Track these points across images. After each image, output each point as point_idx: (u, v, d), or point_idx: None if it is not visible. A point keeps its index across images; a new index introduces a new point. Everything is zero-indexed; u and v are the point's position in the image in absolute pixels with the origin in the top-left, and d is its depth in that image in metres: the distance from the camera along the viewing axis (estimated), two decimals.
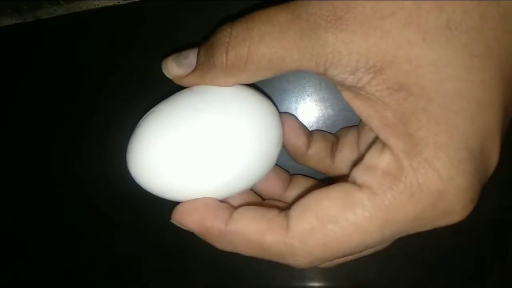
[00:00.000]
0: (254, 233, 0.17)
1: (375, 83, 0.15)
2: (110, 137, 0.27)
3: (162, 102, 0.19)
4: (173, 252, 0.30)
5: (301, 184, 0.23)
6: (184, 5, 0.25)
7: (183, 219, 0.19)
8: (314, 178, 0.24)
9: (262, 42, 0.16)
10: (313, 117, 0.26)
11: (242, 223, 0.18)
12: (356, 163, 0.18)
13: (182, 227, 0.19)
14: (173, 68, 0.19)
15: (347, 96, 0.16)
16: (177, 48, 0.25)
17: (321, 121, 0.26)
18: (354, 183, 0.16)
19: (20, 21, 0.27)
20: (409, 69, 0.14)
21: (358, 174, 0.16)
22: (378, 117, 0.15)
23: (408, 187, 0.15)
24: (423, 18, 0.14)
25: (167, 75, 0.20)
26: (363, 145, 0.21)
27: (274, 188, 0.23)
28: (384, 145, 0.16)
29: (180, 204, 0.19)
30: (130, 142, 0.19)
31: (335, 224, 0.16)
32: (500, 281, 0.28)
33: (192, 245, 0.29)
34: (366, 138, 0.21)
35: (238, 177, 0.19)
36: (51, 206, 0.29)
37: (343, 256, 0.17)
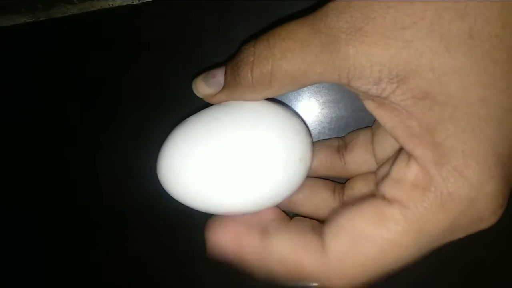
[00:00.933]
0: (290, 253, 0.17)
1: (399, 92, 0.15)
2: (132, 140, 0.27)
3: (194, 115, 0.20)
4: (181, 256, 0.30)
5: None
6: (199, 4, 0.25)
7: (216, 236, 0.19)
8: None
9: (284, 59, 0.16)
10: (326, 117, 0.26)
11: (277, 241, 0.17)
12: (380, 177, 0.17)
13: (217, 253, 0.19)
14: (202, 88, 0.20)
15: (370, 106, 0.17)
16: (192, 47, 0.25)
17: (333, 122, 0.26)
18: (383, 198, 0.16)
19: (34, 19, 0.27)
20: (433, 78, 0.14)
21: (387, 188, 0.16)
22: (404, 127, 0.15)
23: (439, 197, 0.15)
24: (445, 27, 0.14)
25: (197, 94, 0.20)
26: (379, 146, 0.21)
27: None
28: (410, 156, 0.16)
29: (210, 221, 0.19)
30: (161, 151, 0.20)
31: (370, 243, 0.16)
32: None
33: (199, 249, 0.29)
34: (382, 139, 0.21)
35: (263, 191, 0.19)
36: (73, 213, 0.30)
37: (380, 274, 0.17)
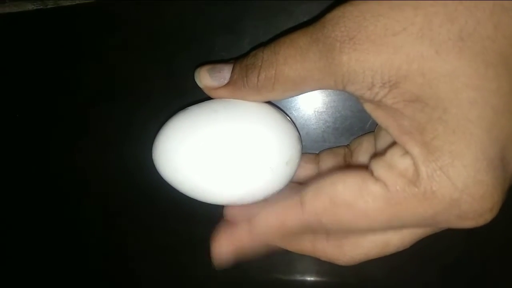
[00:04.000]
0: (275, 222, 0.19)
1: (391, 96, 0.16)
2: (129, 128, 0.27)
3: (194, 105, 0.21)
4: (171, 244, 0.30)
5: (327, 159, 0.24)
6: None
7: (219, 255, 0.20)
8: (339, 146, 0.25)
9: (286, 64, 0.17)
10: (331, 117, 0.26)
11: (261, 219, 0.19)
12: (377, 154, 0.18)
13: (229, 263, 0.20)
14: (206, 79, 0.21)
15: (368, 107, 0.17)
16: (202, 41, 0.25)
17: (338, 122, 0.26)
18: (371, 173, 0.17)
19: (41, 7, 0.27)
20: (423, 82, 0.15)
21: (378, 167, 0.17)
22: (396, 125, 0.16)
23: (422, 192, 0.15)
24: (435, 31, 0.15)
25: (199, 84, 0.21)
26: (381, 146, 0.21)
27: (306, 172, 0.24)
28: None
29: (211, 245, 0.20)
30: (158, 134, 0.20)
31: (346, 209, 0.17)
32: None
33: (189, 237, 0.29)
34: (384, 143, 0.21)
35: (248, 186, 0.20)
36: (59, 199, 0.30)
37: (354, 232, 0.18)
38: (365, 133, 0.24)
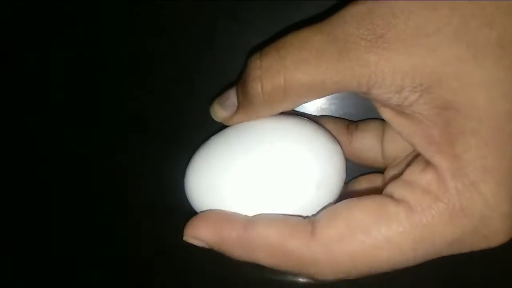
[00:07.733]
0: (275, 238, 0.16)
1: (422, 102, 0.14)
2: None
3: (221, 131, 0.20)
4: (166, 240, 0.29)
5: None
6: None
7: (196, 230, 0.17)
8: None
9: (298, 70, 0.15)
10: (334, 114, 0.25)
11: (262, 227, 0.17)
12: (392, 179, 0.17)
13: (195, 243, 0.18)
14: (219, 112, 0.19)
15: (387, 114, 0.16)
16: (204, 28, 0.24)
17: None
18: (390, 197, 0.16)
19: None
20: (458, 87, 0.14)
21: (396, 188, 0.16)
22: (423, 135, 0.15)
23: (450, 209, 0.14)
24: (471, 35, 0.14)
25: (216, 119, 0.20)
26: (391, 143, 0.20)
27: None
28: (428, 163, 0.15)
29: (192, 218, 0.18)
30: (189, 167, 0.19)
31: (366, 235, 0.15)
32: None
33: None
34: (395, 137, 0.20)
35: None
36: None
37: (369, 271, 0.16)
38: (372, 118, 0.23)
